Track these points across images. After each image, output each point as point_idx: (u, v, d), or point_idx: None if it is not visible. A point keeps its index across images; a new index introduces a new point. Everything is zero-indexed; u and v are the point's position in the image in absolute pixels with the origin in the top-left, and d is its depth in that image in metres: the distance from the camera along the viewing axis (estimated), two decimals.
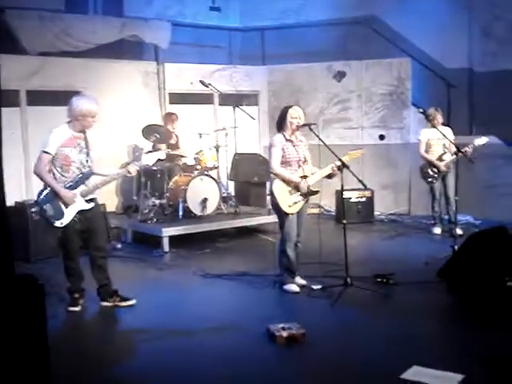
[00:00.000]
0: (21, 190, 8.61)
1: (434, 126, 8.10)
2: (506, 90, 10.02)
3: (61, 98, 9.19)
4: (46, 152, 5.48)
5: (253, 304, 5.92)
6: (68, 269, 5.77)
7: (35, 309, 3.10)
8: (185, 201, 8.49)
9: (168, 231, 8.11)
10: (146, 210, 8.72)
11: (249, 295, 6.19)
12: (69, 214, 5.56)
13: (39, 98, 9.01)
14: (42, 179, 5.55)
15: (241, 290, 6.35)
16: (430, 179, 8.69)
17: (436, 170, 8.62)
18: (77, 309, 5.70)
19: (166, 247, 8.06)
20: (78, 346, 4.96)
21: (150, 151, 8.94)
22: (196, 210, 8.56)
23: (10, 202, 5.16)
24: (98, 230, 5.78)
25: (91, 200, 5.71)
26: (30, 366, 3.06)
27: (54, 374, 3.22)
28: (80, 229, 5.66)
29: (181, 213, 8.54)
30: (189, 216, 8.56)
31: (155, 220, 8.47)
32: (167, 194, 8.70)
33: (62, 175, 5.56)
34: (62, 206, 5.54)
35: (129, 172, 5.77)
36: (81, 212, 5.62)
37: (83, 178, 5.62)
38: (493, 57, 10.39)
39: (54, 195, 5.52)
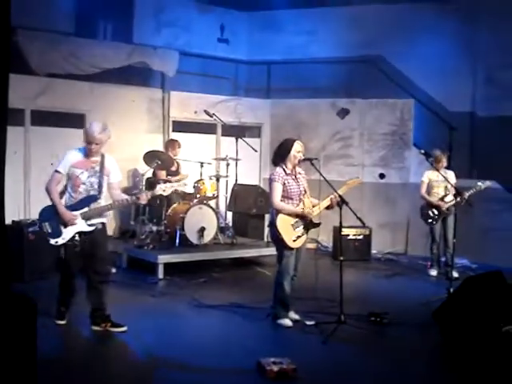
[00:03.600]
0: (19, 209, 8.59)
1: (437, 169, 8.16)
2: (508, 136, 10.08)
3: (64, 119, 9.26)
4: (56, 171, 5.63)
5: (245, 336, 5.87)
6: (62, 284, 5.85)
7: (26, 328, 3.09)
8: (182, 229, 8.47)
9: (164, 258, 8.08)
10: (143, 236, 8.70)
11: (241, 327, 6.14)
12: (66, 234, 5.57)
13: (43, 118, 9.04)
14: (48, 196, 5.63)
15: (233, 322, 6.30)
16: (430, 220, 8.64)
17: (436, 212, 8.57)
18: (63, 322, 5.84)
19: (161, 274, 8.02)
20: (66, 367, 4.91)
21: (151, 178, 8.96)
22: (193, 238, 8.53)
23: (7, 220, 5.16)
24: (97, 255, 5.73)
25: (96, 224, 5.68)
26: (18, 381, 3.05)
27: None
28: (80, 251, 5.64)
29: (177, 240, 8.52)
30: (185, 244, 8.53)
31: (151, 246, 8.44)
32: (165, 221, 8.69)
33: (71, 195, 5.64)
34: (61, 226, 5.58)
35: (138, 199, 5.71)
36: (81, 234, 5.62)
37: (87, 200, 5.62)
38: (496, 102, 10.47)
39: (56, 213, 5.57)
